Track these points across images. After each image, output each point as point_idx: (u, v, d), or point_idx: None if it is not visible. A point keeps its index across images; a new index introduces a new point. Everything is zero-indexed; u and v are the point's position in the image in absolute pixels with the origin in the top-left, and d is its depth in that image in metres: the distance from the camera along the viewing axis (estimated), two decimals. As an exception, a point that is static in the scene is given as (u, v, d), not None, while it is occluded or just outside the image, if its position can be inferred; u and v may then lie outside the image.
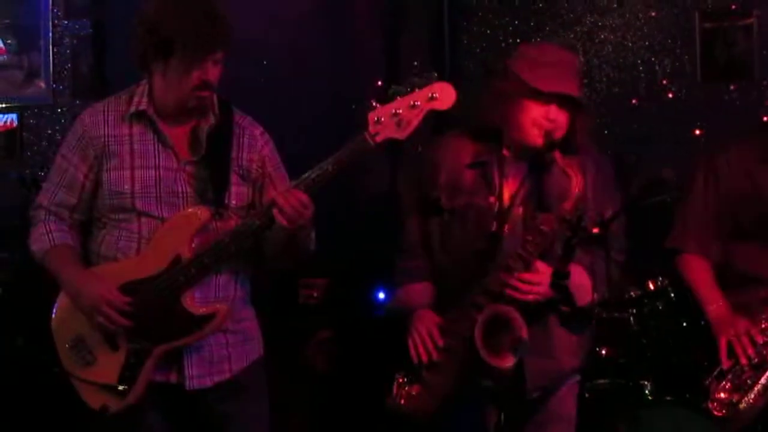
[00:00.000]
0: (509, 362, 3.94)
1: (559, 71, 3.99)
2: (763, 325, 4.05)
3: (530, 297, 3.95)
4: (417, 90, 3.69)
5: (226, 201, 3.85)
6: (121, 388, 3.77)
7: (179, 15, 3.69)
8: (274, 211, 3.66)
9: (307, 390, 5.69)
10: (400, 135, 3.68)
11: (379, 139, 3.68)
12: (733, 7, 5.84)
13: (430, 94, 3.68)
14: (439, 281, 4.17)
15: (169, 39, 3.70)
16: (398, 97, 3.68)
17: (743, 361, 4.01)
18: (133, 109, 3.87)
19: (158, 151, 3.86)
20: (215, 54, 3.74)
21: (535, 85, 3.94)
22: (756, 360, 4.00)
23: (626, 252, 4.20)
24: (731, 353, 4.05)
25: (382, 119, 3.67)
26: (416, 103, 3.67)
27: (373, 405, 4.16)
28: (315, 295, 5.87)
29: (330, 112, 6.10)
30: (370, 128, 3.67)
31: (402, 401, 4.02)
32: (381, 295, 5.75)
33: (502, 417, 4.09)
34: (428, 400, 4.01)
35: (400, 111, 3.66)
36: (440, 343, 3.99)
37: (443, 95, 3.69)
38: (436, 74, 3.74)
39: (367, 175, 6.06)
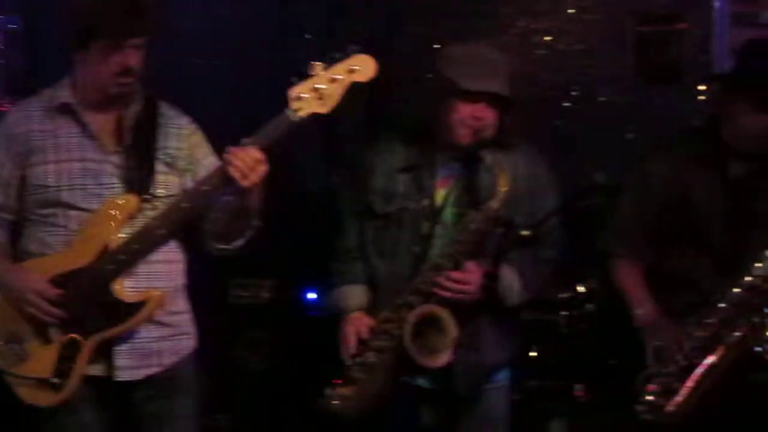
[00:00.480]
0: (440, 361, 3.97)
1: (486, 70, 4.05)
2: (689, 330, 4.06)
3: (460, 296, 4.00)
4: (337, 63, 3.70)
5: (153, 190, 3.83)
6: (55, 381, 3.74)
7: (98, 1, 3.68)
8: (229, 168, 3.64)
9: (239, 390, 5.66)
10: (323, 109, 3.69)
11: (301, 114, 3.68)
12: (667, 11, 5.87)
13: (350, 67, 3.69)
14: (375, 285, 4.19)
15: (89, 25, 3.68)
16: (318, 72, 3.68)
17: (671, 365, 4.03)
18: (56, 102, 3.84)
19: (83, 142, 3.82)
20: (135, 39, 3.72)
21: (462, 84, 4.00)
22: (684, 364, 4.01)
23: (559, 252, 4.24)
24: (660, 357, 4.06)
25: (304, 95, 3.68)
26: (337, 76, 3.68)
27: (307, 405, 4.15)
28: (247, 294, 5.84)
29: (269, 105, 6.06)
30: (292, 104, 3.67)
31: (334, 401, 4.03)
32: (312, 296, 5.73)
33: (435, 417, 4.14)
34: (360, 400, 4.03)
35: (322, 85, 3.67)
36: (370, 343, 4.02)
37: (364, 67, 3.71)
38: (356, 47, 3.74)
39: (301, 174, 6.03)
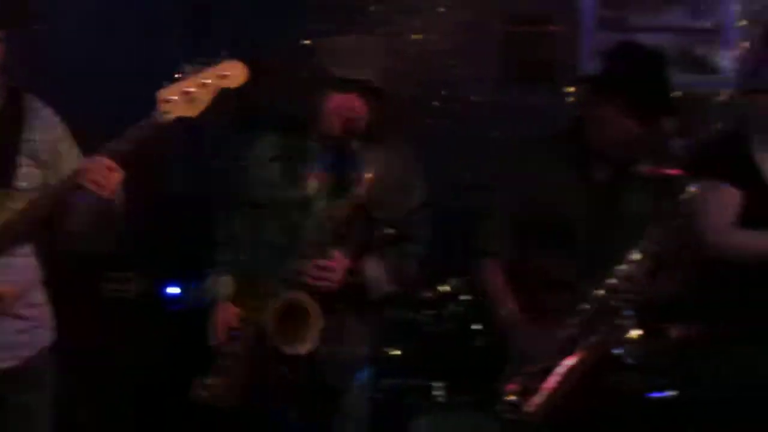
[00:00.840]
0: (302, 350, 3.98)
1: (360, 61, 4.07)
2: (553, 331, 4.08)
3: (324, 284, 4.01)
4: (207, 69, 3.67)
5: (16, 182, 3.74)
6: None
7: None
8: (82, 177, 3.58)
9: (103, 383, 5.58)
10: (192, 113, 3.65)
11: (169, 116, 3.63)
12: (536, 12, 5.90)
13: (220, 72, 3.67)
14: (246, 274, 4.16)
15: None
16: (188, 76, 3.66)
17: (533, 365, 4.04)
18: None
19: None
20: None
21: (336, 73, 4.03)
22: (545, 365, 4.02)
23: (424, 248, 4.24)
24: (522, 357, 4.05)
25: (173, 97, 3.63)
26: (206, 81, 3.65)
27: (172, 399, 4.10)
28: (115, 287, 5.76)
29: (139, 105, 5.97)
30: (160, 106, 3.62)
31: (205, 392, 4.02)
32: (174, 290, 5.67)
33: (299, 409, 4.14)
34: (230, 390, 4.02)
35: (191, 89, 3.64)
36: (237, 332, 4.03)
37: (234, 73, 3.68)
38: (226, 53, 3.72)
39: (168, 168, 5.95)
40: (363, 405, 4.27)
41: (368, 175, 3.99)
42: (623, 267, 4.03)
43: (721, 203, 4.30)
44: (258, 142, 4.22)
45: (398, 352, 4.76)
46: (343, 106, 4.06)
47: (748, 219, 4.34)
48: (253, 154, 4.21)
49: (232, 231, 4.24)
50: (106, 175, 3.58)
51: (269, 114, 4.32)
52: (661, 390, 4.22)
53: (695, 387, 3.61)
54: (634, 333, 3.98)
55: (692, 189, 4.03)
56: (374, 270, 4.09)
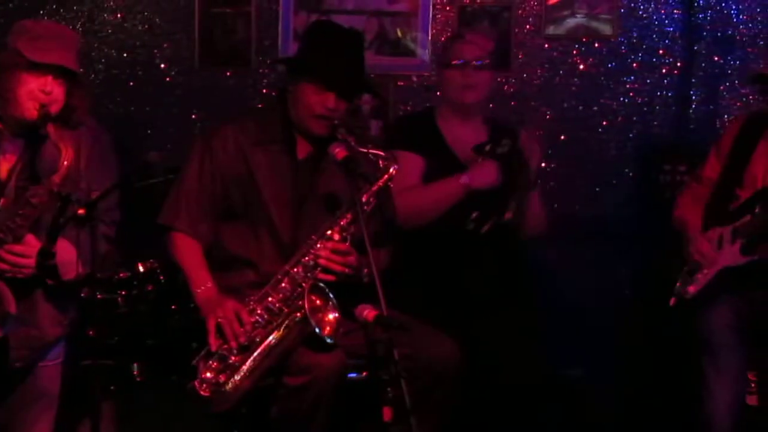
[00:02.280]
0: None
1: (56, 44, 4.04)
2: (251, 307, 4.07)
3: (18, 269, 3.97)
4: None
5: None
6: None
7: None
8: None
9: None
10: None
11: None
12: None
13: None
14: None
15: None
16: None
17: (232, 342, 4.01)
18: None
19: None
20: None
21: (32, 56, 3.98)
22: (243, 341, 4.01)
23: (116, 229, 4.26)
24: (220, 334, 4.04)
25: None
26: None
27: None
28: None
29: None
30: None
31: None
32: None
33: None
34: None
35: None
36: None
37: None
38: None
39: None
40: (56, 383, 4.23)
41: (65, 163, 3.98)
42: (321, 243, 4.07)
43: (405, 169, 4.50)
44: None
45: (93, 333, 4.66)
46: (40, 90, 4.01)
47: (438, 179, 4.75)
48: None
49: None
50: None
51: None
52: (358, 371, 4.26)
53: (383, 369, 3.66)
54: (331, 315, 4.01)
55: (392, 170, 4.12)
56: (65, 253, 4.01)
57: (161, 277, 4.84)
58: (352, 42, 4.31)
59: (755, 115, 4.81)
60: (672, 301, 4.70)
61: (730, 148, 4.72)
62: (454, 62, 4.85)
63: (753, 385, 4.91)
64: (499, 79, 5.58)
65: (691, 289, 4.62)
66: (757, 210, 4.50)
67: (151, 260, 4.82)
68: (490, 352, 4.59)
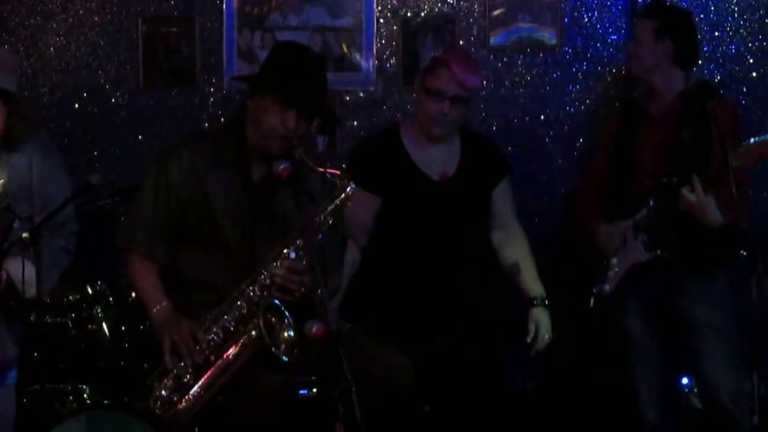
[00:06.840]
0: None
1: None
2: (206, 326, 4.06)
3: None
4: None
5: None
6: None
7: None
8: None
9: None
10: None
11: None
12: (176, 13, 5.85)
13: None
14: None
15: None
16: None
17: (187, 361, 4.00)
18: None
19: None
20: None
21: None
22: (198, 360, 3.99)
23: (75, 236, 4.40)
24: (175, 353, 4.02)
25: None
26: None
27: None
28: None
29: None
30: None
31: None
32: None
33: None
34: None
35: None
36: None
37: None
38: None
39: None
40: (11, 407, 4.26)
41: (3, 180, 4.05)
42: (278, 263, 4.05)
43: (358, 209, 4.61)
44: None
45: (42, 357, 4.65)
46: None
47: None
48: None
49: None
50: None
51: None
52: (307, 388, 4.26)
53: (335, 385, 3.65)
54: (287, 333, 4.00)
55: (348, 190, 4.12)
56: (19, 271, 4.01)
57: (110, 299, 4.82)
58: (316, 64, 4.29)
59: (629, 107, 5.02)
60: (591, 303, 4.81)
61: (614, 141, 4.88)
62: (430, 87, 4.78)
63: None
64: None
65: (606, 287, 4.76)
66: (651, 203, 4.61)
67: (99, 282, 4.81)
68: (453, 373, 4.63)
